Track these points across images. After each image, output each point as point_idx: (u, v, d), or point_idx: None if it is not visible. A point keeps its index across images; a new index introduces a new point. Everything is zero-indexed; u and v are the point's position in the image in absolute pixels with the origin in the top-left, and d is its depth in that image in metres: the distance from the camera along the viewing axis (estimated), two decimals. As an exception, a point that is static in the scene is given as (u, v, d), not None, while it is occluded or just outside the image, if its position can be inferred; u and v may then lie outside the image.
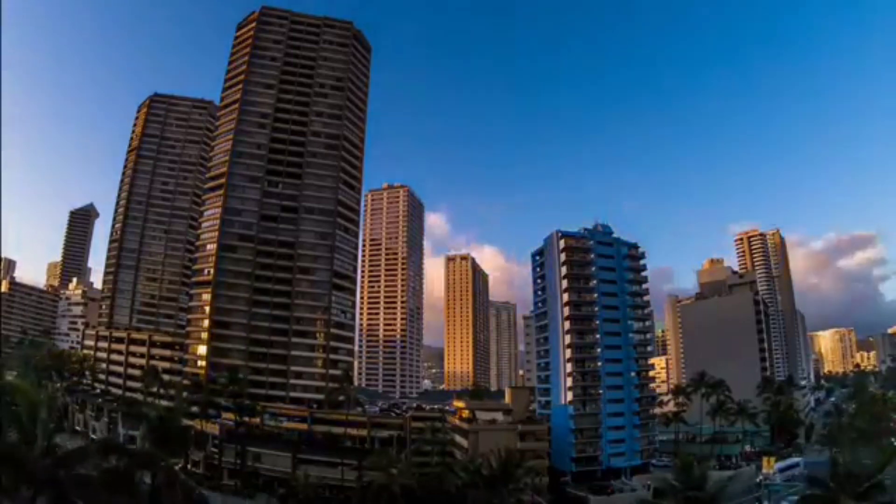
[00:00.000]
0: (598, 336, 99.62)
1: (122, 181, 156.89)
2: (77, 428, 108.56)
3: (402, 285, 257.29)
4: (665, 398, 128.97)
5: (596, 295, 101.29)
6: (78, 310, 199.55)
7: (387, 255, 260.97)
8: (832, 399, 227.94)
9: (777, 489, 73.59)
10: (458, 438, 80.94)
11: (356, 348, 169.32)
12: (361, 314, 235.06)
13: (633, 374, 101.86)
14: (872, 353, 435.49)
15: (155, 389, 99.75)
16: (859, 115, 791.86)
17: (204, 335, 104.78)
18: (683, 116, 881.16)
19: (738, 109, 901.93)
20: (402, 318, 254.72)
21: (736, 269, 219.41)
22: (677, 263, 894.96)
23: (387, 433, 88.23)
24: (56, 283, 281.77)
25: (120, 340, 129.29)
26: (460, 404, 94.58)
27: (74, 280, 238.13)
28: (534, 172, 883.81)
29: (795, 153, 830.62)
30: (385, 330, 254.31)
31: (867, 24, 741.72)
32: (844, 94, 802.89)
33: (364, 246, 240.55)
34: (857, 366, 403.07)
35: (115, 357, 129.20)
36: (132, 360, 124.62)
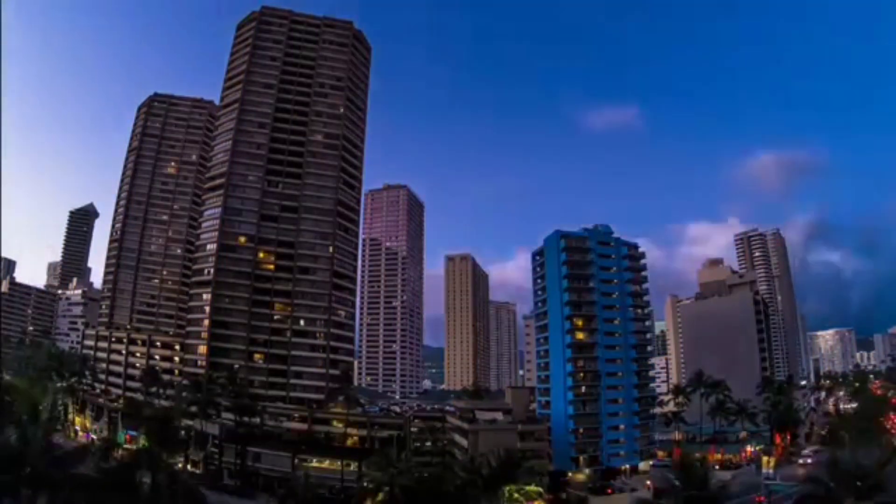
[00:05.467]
0: (597, 336, 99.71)
1: (122, 181, 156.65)
2: (77, 428, 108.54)
3: (402, 285, 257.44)
4: (665, 398, 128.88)
5: (596, 295, 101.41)
6: (78, 310, 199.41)
7: (387, 255, 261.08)
8: (832, 399, 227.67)
9: (778, 489, 73.42)
10: (458, 438, 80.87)
11: (356, 348, 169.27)
12: (361, 314, 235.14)
13: (632, 373, 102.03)
14: (872, 353, 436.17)
15: (155, 389, 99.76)
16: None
17: (204, 335, 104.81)
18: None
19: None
20: (402, 318, 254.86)
21: (736, 269, 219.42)
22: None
23: (387, 433, 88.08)
24: (56, 283, 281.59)
25: (120, 340, 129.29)
26: (460, 404, 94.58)
27: (74, 280, 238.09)
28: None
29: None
30: (385, 330, 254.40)
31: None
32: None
33: (364, 246, 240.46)
34: (857, 366, 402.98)
35: (115, 357, 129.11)
36: (132, 360, 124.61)
